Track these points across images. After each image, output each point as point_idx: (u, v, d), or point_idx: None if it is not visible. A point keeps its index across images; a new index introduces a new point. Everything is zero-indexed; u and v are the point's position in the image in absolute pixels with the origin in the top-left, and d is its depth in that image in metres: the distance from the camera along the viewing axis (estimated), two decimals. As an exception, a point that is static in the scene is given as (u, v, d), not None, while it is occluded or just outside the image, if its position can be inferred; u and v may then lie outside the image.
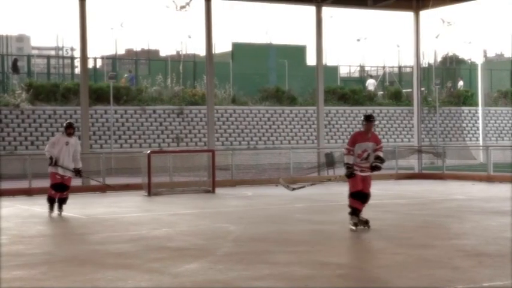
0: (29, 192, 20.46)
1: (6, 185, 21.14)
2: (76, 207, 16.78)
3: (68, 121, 16.08)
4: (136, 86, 36.33)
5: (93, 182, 20.53)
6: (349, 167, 11.86)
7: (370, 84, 42.34)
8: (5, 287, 7.90)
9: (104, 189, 21.14)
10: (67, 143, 14.84)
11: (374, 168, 11.91)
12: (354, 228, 11.79)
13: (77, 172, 14.91)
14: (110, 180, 22.09)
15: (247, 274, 8.25)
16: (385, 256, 9.33)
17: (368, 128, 11.97)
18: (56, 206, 14.96)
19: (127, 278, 8.12)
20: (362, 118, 12.26)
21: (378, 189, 21.40)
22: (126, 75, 37.88)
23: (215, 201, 18.67)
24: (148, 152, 21.27)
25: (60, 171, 14.73)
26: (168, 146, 33.03)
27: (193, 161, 22.95)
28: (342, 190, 21.24)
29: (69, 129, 15.04)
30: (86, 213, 15.53)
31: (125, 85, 35.41)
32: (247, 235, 11.59)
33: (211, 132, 25.08)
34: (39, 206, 16.96)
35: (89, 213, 15.43)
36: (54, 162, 14.69)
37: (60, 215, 14.78)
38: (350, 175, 11.92)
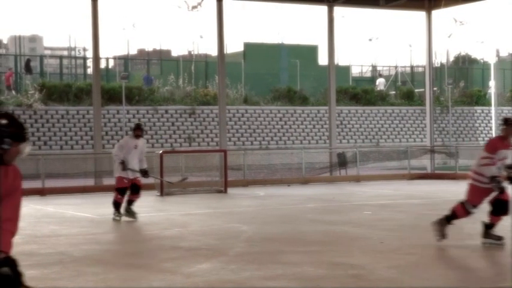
0: (42, 192, 20.54)
1: (20, 184, 21.21)
2: (89, 207, 16.85)
3: (136, 122, 15.35)
4: (149, 86, 36.42)
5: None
6: (498, 180, 9.86)
7: (380, 83, 42.25)
8: (18, 287, 7.93)
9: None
10: (136, 146, 14.07)
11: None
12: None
13: (144, 173, 14.20)
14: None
15: (260, 274, 8.25)
16: (397, 256, 9.31)
17: (508, 133, 10.35)
18: (122, 209, 14.04)
19: (140, 278, 8.14)
20: (501, 121, 10.69)
21: (391, 189, 21.38)
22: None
23: (227, 201, 18.68)
24: (161, 152, 21.31)
25: (130, 175, 13.98)
26: (180, 146, 33.08)
27: (205, 161, 22.97)
28: (355, 190, 21.28)
29: (138, 131, 14.23)
30: (99, 213, 15.56)
31: (141, 85, 35.56)
32: (259, 235, 11.59)
33: (223, 132, 25.09)
34: (52, 206, 17.05)
35: (102, 213, 15.46)
36: (125, 167, 13.86)
37: (135, 217, 13.89)
38: (501, 189, 9.90)
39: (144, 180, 22.19)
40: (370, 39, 49.17)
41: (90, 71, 38.42)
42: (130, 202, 13.99)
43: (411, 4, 27.42)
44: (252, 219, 13.91)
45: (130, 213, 13.90)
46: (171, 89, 36.49)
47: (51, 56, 51.25)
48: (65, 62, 43.21)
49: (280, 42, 43.92)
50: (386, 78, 44.59)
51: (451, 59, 49.35)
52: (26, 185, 20.96)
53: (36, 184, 20.99)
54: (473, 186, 10.11)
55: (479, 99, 41.96)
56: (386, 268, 8.50)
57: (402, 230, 12.16)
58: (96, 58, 23.90)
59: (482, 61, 48.31)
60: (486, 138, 40.04)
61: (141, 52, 53.54)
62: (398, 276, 8.13)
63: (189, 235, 11.79)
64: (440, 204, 16.97)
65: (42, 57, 43.39)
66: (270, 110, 36.28)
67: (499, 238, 9.88)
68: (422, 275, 8.12)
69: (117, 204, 14.01)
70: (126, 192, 13.97)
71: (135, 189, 14.04)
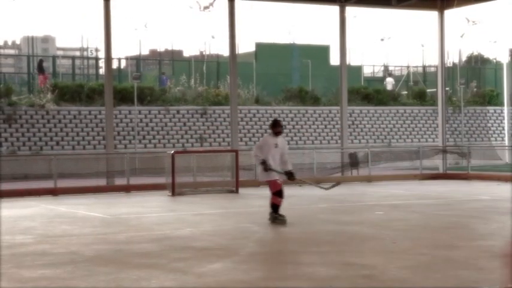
0: (54, 192, 20.61)
1: (32, 184, 21.32)
2: (101, 207, 16.90)
3: (274, 118, 14.31)
4: (164, 87, 36.52)
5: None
6: None
7: (389, 83, 42.13)
8: (31, 286, 7.97)
9: (127, 189, 21.26)
10: (276, 145, 12.93)
11: None
12: None
13: (290, 175, 12.92)
14: (134, 180, 22.21)
15: (271, 274, 8.25)
16: (409, 257, 9.28)
17: None
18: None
19: (151, 278, 8.15)
20: None
21: (402, 189, 21.32)
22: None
23: (239, 201, 18.68)
24: (172, 152, 21.33)
25: (276, 176, 12.88)
26: (191, 146, 33.11)
27: (217, 161, 22.98)
28: (367, 190, 21.23)
29: (277, 128, 13.08)
30: (111, 212, 15.60)
31: (154, 86, 35.65)
32: (271, 235, 11.59)
33: (235, 132, 25.10)
34: (64, 206, 17.11)
35: (114, 213, 15.51)
36: (268, 167, 12.70)
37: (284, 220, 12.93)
38: None
39: (155, 180, 22.33)
40: (382, 39, 48.94)
41: (102, 71, 38.51)
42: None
43: (423, 4, 27.33)
44: (263, 219, 13.89)
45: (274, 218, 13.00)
46: (182, 89, 36.54)
47: (64, 57, 51.43)
48: (77, 62, 43.35)
49: (291, 42, 43.88)
50: (398, 78, 44.43)
51: (464, 58, 49.16)
52: (39, 185, 21.06)
53: (48, 184, 21.07)
54: None
55: (492, 99, 41.77)
56: (398, 268, 8.47)
57: (414, 230, 12.12)
58: (108, 58, 23.96)
59: (495, 61, 48.09)
60: (499, 139, 39.97)
61: (153, 52, 53.63)
62: (410, 276, 8.10)
63: (201, 235, 11.80)
64: (453, 204, 16.93)
65: (54, 57, 43.54)
66: (281, 110, 36.26)
67: None
68: (434, 275, 8.09)
69: (275, 207, 13.00)
70: (283, 193, 12.98)
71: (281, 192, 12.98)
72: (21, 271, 8.69)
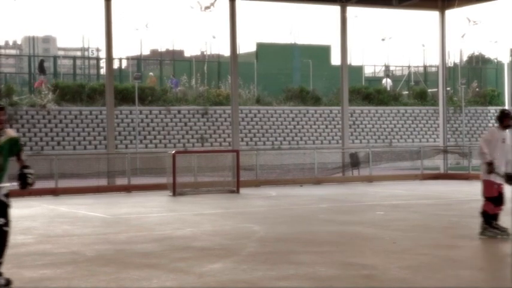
0: (55, 192, 20.63)
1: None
2: (102, 207, 16.91)
3: (502, 108, 11.93)
4: (161, 87, 36.50)
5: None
6: None
7: (387, 83, 42.18)
8: (31, 286, 7.98)
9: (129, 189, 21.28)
10: (503, 140, 10.69)
11: None
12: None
13: (509, 178, 10.50)
14: (135, 181, 22.23)
15: (272, 274, 8.26)
16: (410, 256, 9.29)
17: None
18: (499, 225, 10.80)
19: (152, 278, 8.16)
20: None
21: (403, 189, 21.32)
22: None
23: (239, 201, 18.69)
24: (173, 152, 21.34)
25: (496, 178, 10.66)
26: (192, 146, 33.13)
27: (218, 161, 23.00)
28: (367, 190, 21.23)
29: (508, 120, 10.76)
30: (112, 212, 15.62)
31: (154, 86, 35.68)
32: (271, 235, 11.59)
33: (236, 133, 25.11)
34: (65, 206, 17.12)
35: (115, 213, 15.52)
36: (492, 168, 10.53)
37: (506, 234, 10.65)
38: None
39: (156, 180, 22.33)
40: (383, 39, 48.91)
41: (103, 71, 38.54)
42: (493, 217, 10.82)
43: (424, 4, 27.35)
44: (264, 219, 13.92)
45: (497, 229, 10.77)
46: (183, 89, 36.56)
47: (65, 57, 51.44)
48: (78, 62, 43.37)
49: (292, 42, 43.87)
50: (399, 78, 44.41)
51: (465, 58, 49.15)
52: (40, 185, 20.98)
53: (49, 184, 21.08)
54: None
55: (493, 99, 41.76)
56: (398, 268, 8.48)
57: (415, 230, 12.12)
58: (109, 58, 23.98)
59: (495, 61, 48.08)
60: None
61: (154, 52, 53.63)
62: (411, 276, 8.11)
63: (202, 235, 11.81)
64: (454, 204, 16.93)
65: (55, 57, 43.55)
66: (282, 110, 36.27)
67: None
68: (434, 275, 8.09)
69: (489, 217, 10.78)
70: (502, 201, 10.78)
71: (499, 200, 10.79)
72: (22, 271, 8.70)
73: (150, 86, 35.27)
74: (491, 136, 10.83)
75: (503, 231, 10.59)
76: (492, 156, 10.53)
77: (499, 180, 10.59)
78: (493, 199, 10.65)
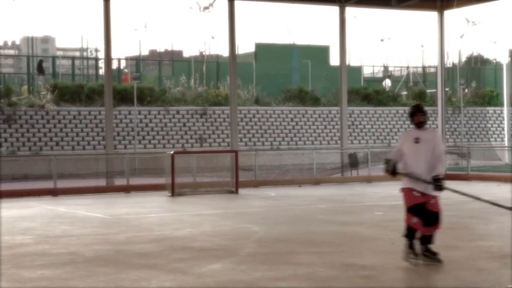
0: (54, 193, 20.62)
1: (32, 185, 21.34)
2: (101, 207, 16.91)
3: (414, 103, 10.29)
4: (160, 87, 36.50)
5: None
6: None
7: (386, 84, 42.21)
8: (30, 286, 7.98)
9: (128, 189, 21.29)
10: (417, 140, 9.17)
11: None
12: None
13: (438, 182, 8.98)
14: (134, 181, 22.23)
15: (271, 274, 8.25)
16: (409, 257, 9.27)
17: None
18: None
19: (151, 278, 8.16)
20: None
21: (401, 190, 21.30)
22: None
23: (238, 202, 18.68)
24: (172, 152, 21.34)
25: (416, 185, 9.15)
26: (191, 146, 33.14)
27: (217, 161, 23.02)
28: (366, 191, 21.23)
29: (420, 116, 9.46)
30: (110, 213, 15.61)
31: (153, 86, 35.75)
32: (270, 236, 11.58)
33: (235, 133, 25.10)
34: (64, 206, 17.12)
35: (113, 214, 15.51)
36: (391, 166, 9.41)
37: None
38: None
39: (155, 180, 22.33)
40: (382, 40, 48.95)
41: (102, 71, 38.55)
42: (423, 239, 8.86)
43: (423, 4, 27.35)
44: (263, 219, 13.91)
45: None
46: (182, 89, 36.57)
47: (64, 57, 51.45)
48: (77, 62, 43.37)
49: (291, 43, 43.90)
50: (398, 78, 44.43)
51: (463, 59, 49.20)
52: (38, 185, 20.98)
53: (48, 184, 21.08)
54: None
55: (492, 99, 41.78)
56: (397, 269, 8.48)
57: (414, 230, 12.10)
58: (108, 59, 23.98)
59: (494, 61, 48.11)
60: (498, 139, 39.98)
61: (153, 53, 53.65)
62: (410, 277, 8.11)
63: (200, 235, 11.80)
64: (452, 205, 16.91)
65: (54, 58, 43.55)
66: (281, 111, 36.28)
67: None
68: (433, 275, 8.09)
69: (410, 232, 8.97)
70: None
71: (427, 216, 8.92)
72: (21, 271, 8.69)
73: (149, 87, 35.23)
74: (402, 138, 9.65)
75: (415, 255, 8.72)
76: (405, 160, 9.15)
77: (419, 187, 8.99)
78: (412, 209, 9.00)
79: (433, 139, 9.16)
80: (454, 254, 9.46)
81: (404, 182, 9.17)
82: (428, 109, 40.99)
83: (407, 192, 9.06)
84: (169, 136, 33.39)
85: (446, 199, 18.76)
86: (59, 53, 64.58)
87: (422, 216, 8.78)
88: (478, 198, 9.23)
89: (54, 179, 21.14)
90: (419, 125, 9.25)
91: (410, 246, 8.73)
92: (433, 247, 8.75)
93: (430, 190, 8.89)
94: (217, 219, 14.71)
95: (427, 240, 8.73)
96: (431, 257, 8.65)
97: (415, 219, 8.81)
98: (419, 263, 8.55)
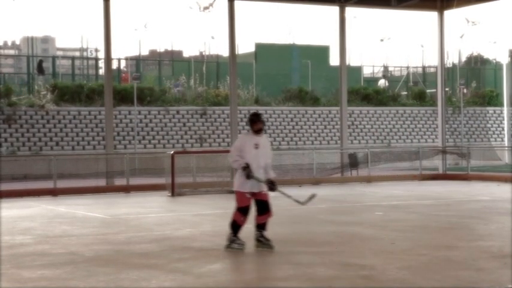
0: (53, 193, 20.61)
1: (32, 185, 21.33)
2: (100, 207, 16.90)
3: (253, 111, 10.66)
4: (160, 87, 36.53)
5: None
6: None
7: (381, 84, 42.24)
8: (30, 286, 7.97)
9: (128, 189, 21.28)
10: (256, 146, 10.01)
11: None
12: None
13: (272, 184, 10.40)
14: (134, 181, 22.22)
15: (270, 275, 8.25)
16: (409, 257, 9.28)
17: None
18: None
19: (151, 278, 8.16)
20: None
21: (402, 190, 21.31)
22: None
23: (238, 202, 18.64)
24: (172, 152, 21.33)
25: (246, 188, 10.14)
26: (191, 146, 33.15)
27: (217, 161, 22.99)
28: (366, 191, 21.24)
29: (259, 124, 10.03)
30: (110, 213, 15.61)
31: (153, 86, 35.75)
32: (270, 235, 11.57)
33: (235, 133, 25.09)
34: (64, 206, 17.11)
35: (113, 214, 15.51)
36: (250, 170, 9.97)
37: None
38: None
39: (155, 180, 22.33)
40: (382, 40, 48.96)
41: (102, 71, 38.56)
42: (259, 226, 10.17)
43: (423, 4, 27.34)
44: (263, 219, 13.88)
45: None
46: (182, 89, 36.58)
47: (63, 57, 51.45)
48: (77, 62, 43.38)
49: (291, 43, 43.93)
50: (398, 78, 44.45)
51: (463, 59, 49.23)
52: (38, 185, 20.95)
53: (48, 184, 21.07)
54: None
55: (492, 99, 41.80)
56: (397, 269, 8.48)
57: (413, 230, 12.12)
58: (108, 59, 23.97)
59: (494, 61, 48.13)
60: (498, 139, 39.99)
61: (153, 53, 53.68)
62: (410, 277, 8.11)
63: (200, 235, 11.80)
64: (452, 205, 16.93)
65: (54, 58, 43.56)
66: (281, 111, 36.29)
67: None
68: (433, 276, 8.09)
69: (238, 228, 10.13)
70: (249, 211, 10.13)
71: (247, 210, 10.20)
72: (21, 271, 8.69)
73: (149, 87, 35.22)
74: (240, 143, 10.01)
75: (240, 243, 10.00)
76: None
77: (254, 189, 9.99)
78: (244, 209, 10.03)
79: (267, 144, 10.33)
80: (454, 254, 9.46)
81: (237, 185, 10.20)
82: (428, 109, 41.20)
83: (240, 194, 10.18)
84: (169, 136, 33.40)
85: (446, 199, 18.80)
86: (59, 53, 64.57)
87: (256, 207, 10.17)
88: (290, 197, 10.82)
89: (54, 179, 21.13)
90: (259, 132, 10.08)
91: (235, 235, 10.08)
92: (267, 234, 10.04)
93: (262, 188, 10.22)
94: (217, 219, 14.69)
95: (261, 227, 10.14)
96: (265, 242, 10.04)
97: (242, 218, 10.09)
98: (242, 248, 9.89)
